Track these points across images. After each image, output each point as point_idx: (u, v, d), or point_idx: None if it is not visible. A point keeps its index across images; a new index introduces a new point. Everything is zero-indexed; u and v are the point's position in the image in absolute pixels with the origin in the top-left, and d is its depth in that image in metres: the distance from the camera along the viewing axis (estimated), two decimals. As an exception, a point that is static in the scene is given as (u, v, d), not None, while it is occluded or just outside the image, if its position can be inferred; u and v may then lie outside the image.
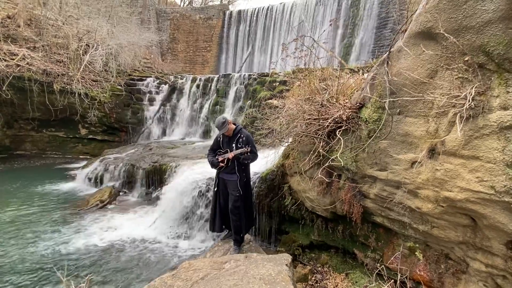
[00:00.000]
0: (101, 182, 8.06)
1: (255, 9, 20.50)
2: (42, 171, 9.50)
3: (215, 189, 4.33)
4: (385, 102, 2.79)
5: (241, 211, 4.10)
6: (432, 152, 2.57)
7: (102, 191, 7.42)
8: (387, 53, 2.91)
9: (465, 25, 2.17)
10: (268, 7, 19.85)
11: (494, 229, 2.32)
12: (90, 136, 11.85)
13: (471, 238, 2.61)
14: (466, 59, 2.16)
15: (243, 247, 4.26)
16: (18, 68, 10.15)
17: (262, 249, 4.47)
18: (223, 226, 4.44)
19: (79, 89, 10.73)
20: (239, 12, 21.20)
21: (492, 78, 2.09)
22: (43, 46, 11.26)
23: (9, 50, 10.42)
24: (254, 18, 20.21)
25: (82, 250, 5.00)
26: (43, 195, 7.37)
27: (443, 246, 2.98)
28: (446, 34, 2.22)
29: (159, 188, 7.11)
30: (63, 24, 12.42)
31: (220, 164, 4.03)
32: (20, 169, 9.66)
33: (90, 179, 8.23)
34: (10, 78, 9.73)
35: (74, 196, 7.50)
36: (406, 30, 2.80)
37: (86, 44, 12.23)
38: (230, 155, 3.96)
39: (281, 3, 19.30)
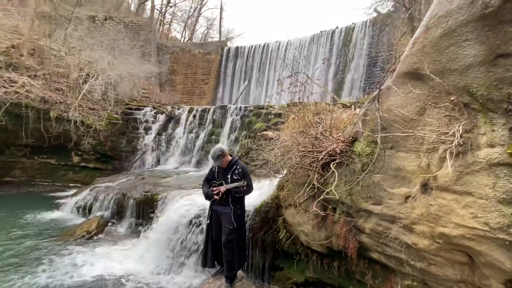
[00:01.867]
0: (90, 212, 7.78)
1: (252, 46, 21.63)
2: (29, 199, 9.18)
3: (208, 222, 4.21)
4: (377, 136, 2.87)
5: (234, 245, 3.96)
6: (425, 187, 2.59)
7: (90, 221, 7.15)
8: (378, 90, 3.06)
9: (449, 68, 2.32)
10: (264, 44, 20.98)
11: (492, 267, 2.28)
12: (83, 164, 11.66)
13: (469, 276, 2.54)
14: (452, 98, 2.28)
15: (235, 284, 4.05)
16: (17, 95, 10.24)
17: (255, 286, 4.26)
18: (215, 262, 4.26)
19: (76, 117, 10.78)
20: (237, 48, 22.31)
21: (478, 116, 2.19)
22: (43, 75, 11.50)
23: (10, 78, 10.59)
24: (251, 54, 21.23)
25: (64, 284, 4.68)
26: (27, 225, 7.05)
27: (441, 284, 2.88)
28: (432, 75, 2.36)
29: (149, 220, 6.89)
30: (66, 54, 12.83)
31: (215, 196, 3.96)
32: (7, 197, 9.32)
33: (78, 209, 7.95)
34: (7, 104, 9.76)
35: (60, 226, 7.19)
36: (394, 70, 2.98)
37: (86, 74, 12.54)
38: (222, 188, 3.88)
39: (276, 41, 20.43)
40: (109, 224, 7.40)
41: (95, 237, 6.64)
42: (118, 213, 7.60)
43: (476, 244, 2.28)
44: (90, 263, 5.43)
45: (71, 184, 11.07)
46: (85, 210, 7.84)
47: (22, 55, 11.94)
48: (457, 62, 2.25)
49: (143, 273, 5.19)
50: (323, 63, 15.49)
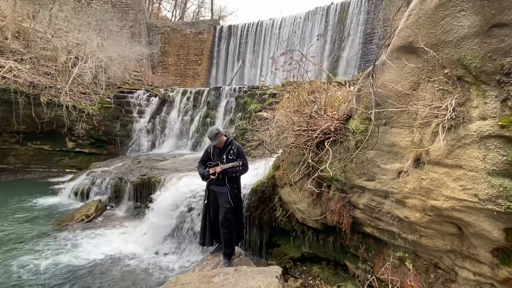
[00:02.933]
0: (87, 197, 7.83)
1: (245, 24, 20.97)
2: (26, 185, 9.18)
3: (205, 202, 4.27)
4: (371, 113, 2.86)
5: (231, 223, 4.05)
6: (418, 162, 2.63)
7: (88, 205, 7.20)
8: (372, 66, 3.01)
9: (444, 40, 2.28)
10: (258, 22, 20.35)
11: (480, 237, 2.36)
12: (77, 149, 11.58)
13: (458, 246, 2.64)
14: (445, 71, 2.25)
15: (233, 260, 4.17)
16: (4, 80, 9.95)
17: (253, 262, 4.39)
18: (213, 240, 4.36)
19: (67, 102, 10.56)
20: (230, 27, 21.63)
21: (471, 89, 2.18)
22: (30, 59, 11.12)
23: (-5, 62, 10.24)
24: (245, 32, 20.63)
25: (65, 267, 4.78)
26: (26, 210, 7.09)
27: (432, 255, 3.00)
28: (426, 48, 2.32)
29: (147, 202, 6.96)
30: (52, 37, 12.36)
31: (211, 176, 4.00)
32: (3, 184, 9.31)
33: (76, 193, 7.99)
34: (-5, 90, 9.53)
35: (59, 211, 7.24)
36: (389, 45, 2.92)
37: (75, 57, 12.15)
38: (218, 169, 3.92)
39: (270, 19, 19.83)
40: (107, 208, 7.46)
41: (94, 221, 6.71)
42: (116, 197, 7.66)
43: (466, 216, 2.35)
44: (91, 246, 5.53)
45: (67, 170, 11.05)
46: (83, 194, 7.88)
47: (6, 38, 11.48)
48: (452, 33, 2.21)
49: (144, 254, 5.31)
50: (318, 39, 15.17)
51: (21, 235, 5.78)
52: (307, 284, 4.04)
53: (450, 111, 2.12)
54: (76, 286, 4.26)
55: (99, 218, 6.89)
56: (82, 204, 7.50)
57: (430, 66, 2.40)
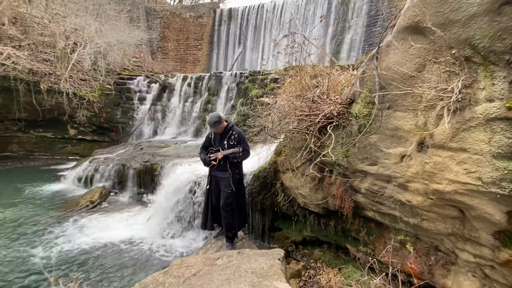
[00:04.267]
0: (91, 183, 7.92)
1: (246, 7, 20.42)
2: (30, 173, 9.28)
3: (208, 187, 4.30)
4: (375, 96, 2.81)
5: (233, 207, 4.09)
6: (421, 145, 2.60)
7: (93, 191, 7.29)
8: (377, 47, 2.93)
9: (452, 19, 2.19)
10: (259, 5, 19.80)
11: (482, 220, 2.36)
12: (80, 137, 11.62)
13: (459, 229, 2.65)
14: (453, 52, 2.18)
15: (236, 243, 4.25)
16: (3, 67, 9.87)
17: (256, 246, 4.46)
18: (215, 224, 4.42)
19: (67, 89, 10.50)
20: (230, 10, 21.09)
21: (478, 70, 2.12)
22: (28, 45, 10.97)
23: (-7, 49, 10.12)
24: (245, 16, 20.14)
25: (72, 251, 4.90)
26: (31, 197, 7.20)
27: (433, 238, 3.02)
28: (433, 28, 2.24)
29: (150, 188, 7.03)
30: (50, 22, 12.13)
31: (212, 162, 4.01)
32: (7, 171, 9.41)
33: (79, 180, 8.07)
34: (-5, 77, 9.46)
35: (63, 197, 7.35)
36: (394, 25, 2.83)
37: (73, 43, 11.98)
38: (220, 155, 3.92)
39: (272, 1, 19.29)
40: (111, 194, 7.56)
41: (98, 207, 6.81)
42: (119, 183, 7.74)
43: (468, 199, 2.34)
44: (96, 231, 5.63)
45: (70, 157, 11.13)
46: (87, 181, 7.96)
47: (3, 24, 11.28)
48: (461, 12, 2.12)
49: (149, 238, 5.41)
50: (321, 20, 14.79)
51: (27, 221, 5.89)
52: (308, 267, 4.12)
53: (456, 93, 2.07)
54: (82, 270, 4.37)
55: (104, 204, 6.99)
56: (86, 190, 7.59)
57: (437, 46, 2.32)
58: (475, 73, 2.15)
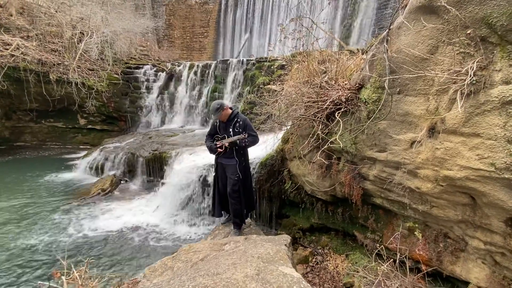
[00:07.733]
0: (102, 171, 8.08)
1: (253, -9, 19.90)
2: (43, 162, 9.53)
3: (214, 174, 4.33)
4: (384, 80, 2.72)
5: (240, 194, 4.11)
6: (432, 131, 2.52)
7: (104, 180, 7.45)
8: (387, 30, 2.82)
9: (468, -3, 2.07)
10: (266, -11, 19.26)
11: (494, 207, 2.31)
12: (89, 126, 11.80)
13: (470, 216, 2.60)
14: (468, 32, 2.08)
15: (243, 230, 4.30)
16: (13, 58, 9.97)
17: (263, 232, 4.51)
18: (222, 211, 4.47)
19: (76, 79, 10.58)
20: (236, -5, 20.60)
21: (495, 51, 2.01)
22: (36, 35, 11.03)
23: (2, 40, 10.21)
24: (252, 1, 19.66)
25: (84, 237, 5.06)
26: (44, 185, 7.42)
27: (442, 225, 2.98)
28: (448, 7, 2.13)
29: (159, 176, 7.14)
30: (56, 11, 12.13)
31: (218, 150, 4.01)
32: (21, 160, 9.69)
33: (91, 169, 8.25)
34: (5, 68, 9.59)
35: (75, 185, 7.54)
36: (406, 5, 2.70)
37: (80, 32, 11.97)
38: (226, 143, 3.93)
39: (279, -15, 18.72)
40: (122, 182, 7.71)
41: (110, 194, 6.97)
42: (129, 172, 7.87)
43: (480, 185, 2.28)
44: (108, 217, 5.79)
45: (81, 146, 11.35)
46: (97, 169, 8.13)
47: (11, 15, 11.35)
48: (478, -11, 2.00)
49: (159, 224, 5.54)
50: (329, 3, 14.36)
51: (41, 209, 6.09)
52: (316, 253, 4.15)
53: (470, 76, 1.98)
54: (95, 255, 4.52)
55: (115, 192, 7.15)
56: (97, 179, 7.76)
57: (451, 26, 2.21)
58: (491, 54, 2.04)
